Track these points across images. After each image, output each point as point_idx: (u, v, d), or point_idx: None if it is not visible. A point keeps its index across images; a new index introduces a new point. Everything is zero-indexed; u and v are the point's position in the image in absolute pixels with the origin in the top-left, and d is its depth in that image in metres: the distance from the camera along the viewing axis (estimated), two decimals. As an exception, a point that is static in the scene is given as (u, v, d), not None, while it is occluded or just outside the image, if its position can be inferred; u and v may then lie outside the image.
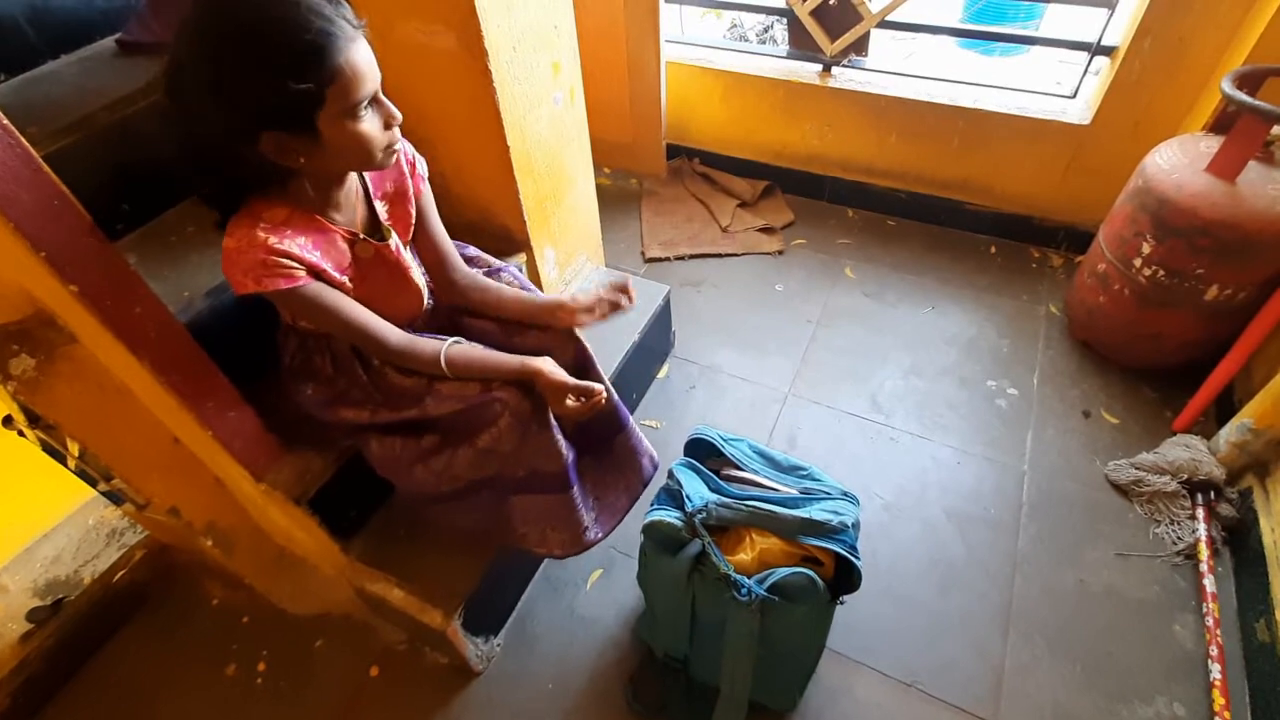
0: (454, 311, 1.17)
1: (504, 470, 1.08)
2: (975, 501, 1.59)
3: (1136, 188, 1.60)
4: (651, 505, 1.18)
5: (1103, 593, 1.43)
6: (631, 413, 1.77)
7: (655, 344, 1.81)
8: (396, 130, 0.87)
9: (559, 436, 1.08)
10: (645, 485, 1.30)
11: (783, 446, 1.72)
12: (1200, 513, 1.47)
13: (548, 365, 1.03)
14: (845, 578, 1.10)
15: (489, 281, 1.17)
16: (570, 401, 1.02)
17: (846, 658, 1.36)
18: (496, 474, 1.08)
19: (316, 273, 0.91)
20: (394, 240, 1.03)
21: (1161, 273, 1.56)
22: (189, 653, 1.46)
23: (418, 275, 1.10)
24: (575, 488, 1.11)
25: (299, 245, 0.89)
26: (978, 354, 1.91)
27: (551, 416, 1.07)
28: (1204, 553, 1.42)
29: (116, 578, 1.48)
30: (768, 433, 1.75)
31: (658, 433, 1.76)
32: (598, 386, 1.03)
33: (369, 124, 0.82)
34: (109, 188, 1.25)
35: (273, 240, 0.86)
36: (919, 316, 2.02)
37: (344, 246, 0.96)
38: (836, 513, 1.10)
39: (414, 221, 1.07)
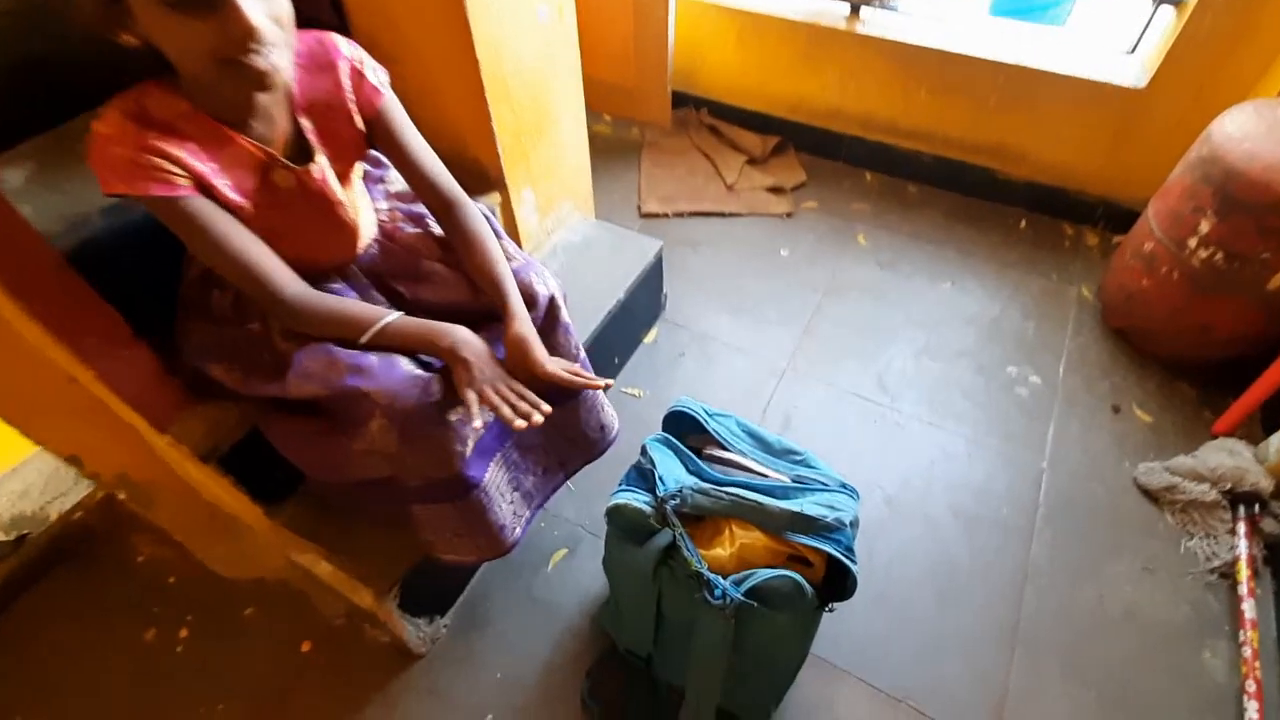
0: (414, 254, 0.98)
1: (397, 475, 0.90)
2: (986, 501, 1.43)
3: (1200, 157, 1.40)
4: (619, 485, 1.02)
5: (1124, 612, 1.28)
6: (614, 377, 1.60)
7: (643, 305, 1.64)
8: (265, 44, 0.67)
9: (460, 432, 0.89)
10: (593, 460, 1.14)
11: (776, 426, 1.56)
12: (1242, 528, 1.31)
13: (467, 350, 0.84)
14: (837, 582, 0.94)
15: (476, 235, 0.94)
16: (495, 398, 0.83)
17: (830, 665, 1.21)
18: (390, 477, 0.91)
19: (204, 186, 0.73)
20: (320, 164, 0.83)
21: (1220, 255, 1.38)
22: (108, 612, 1.32)
23: (355, 212, 0.91)
24: (479, 489, 0.94)
25: (187, 151, 0.71)
26: (999, 336, 1.73)
27: (452, 414, 0.88)
28: (1244, 573, 1.26)
29: (75, 518, 1.36)
30: (761, 410, 1.59)
31: (638, 403, 1.60)
32: (543, 405, 0.85)
33: (187, 23, 0.63)
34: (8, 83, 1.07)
35: (151, 137, 0.69)
36: (936, 292, 1.84)
37: (252, 166, 0.77)
38: (833, 507, 0.94)
39: (358, 143, 0.88)
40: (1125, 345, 1.69)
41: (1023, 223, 2.01)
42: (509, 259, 0.95)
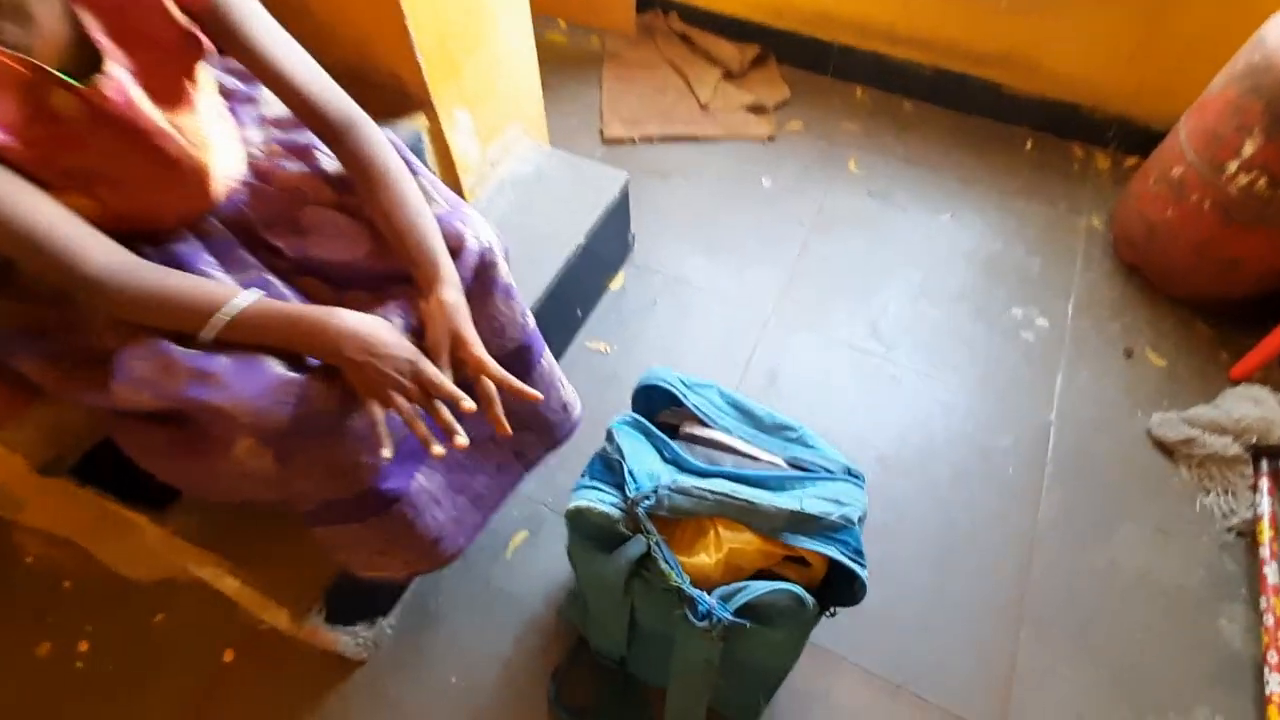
0: (296, 198, 0.73)
1: (286, 499, 0.71)
2: (989, 460, 1.30)
3: (1250, 65, 1.21)
4: (581, 477, 0.84)
5: (1137, 578, 1.18)
6: (576, 331, 1.41)
7: (608, 247, 1.43)
8: None
9: (368, 439, 0.69)
10: (556, 447, 0.97)
11: (761, 381, 1.39)
12: (1265, 484, 1.21)
13: (354, 346, 0.62)
14: (842, 584, 0.80)
15: (379, 169, 0.69)
16: (408, 407, 0.64)
17: (824, 651, 1.10)
18: (278, 500, 0.71)
19: None
20: (115, 77, 0.58)
21: (1263, 181, 1.21)
22: (-8, 626, 1.14)
23: (201, 146, 0.66)
24: (402, 501, 0.75)
25: None
26: (1002, 274, 1.56)
27: (352, 419, 0.68)
28: (1265, 534, 1.16)
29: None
30: (744, 363, 1.42)
31: (606, 360, 1.41)
32: (464, 398, 0.65)
33: None
34: None
35: None
36: (934, 224, 1.66)
37: (11, 86, 0.53)
38: (838, 502, 0.78)
39: (184, 47, 0.62)
40: (1137, 282, 1.54)
41: (1029, 144, 1.81)
42: (428, 201, 0.72)
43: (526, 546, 1.19)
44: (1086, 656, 1.10)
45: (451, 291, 0.68)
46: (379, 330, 0.63)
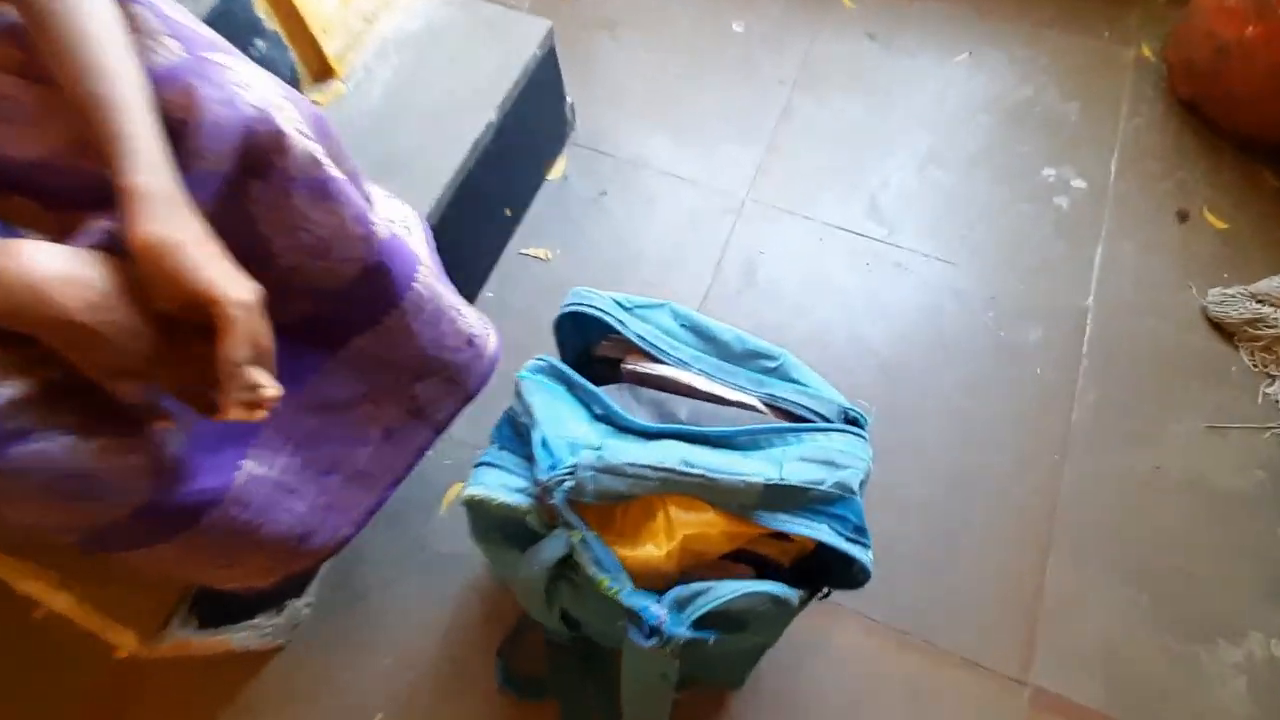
0: None
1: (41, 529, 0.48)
2: (1014, 359, 1.09)
3: None
4: (489, 444, 0.63)
5: (1185, 485, 1.00)
6: (509, 236, 1.15)
7: (536, 125, 1.13)
8: None
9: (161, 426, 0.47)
10: (470, 398, 0.75)
11: (736, 282, 1.15)
12: (1347, 369, 1.00)
13: (47, 300, 0.37)
14: (837, 565, 0.60)
15: (53, 7, 0.41)
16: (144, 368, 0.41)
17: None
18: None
19: None
20: None
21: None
22: None
23: None
24: (225, 503, 0.53)
25: None
26: (1031, 127, 1.28)
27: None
28: (1345, 429, 0.97)
29: None
30: (714, 263, 1.17)
31: (549, 270, 1.16)
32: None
33: None
34: None
35: None
36: (946, 70, 1.34)
37: None
38: (831, 463, 0.57)
39: None
40: (1196, 124, 1.25)
41: (1063, -44, 1.45)
42: (147, 45, 0.45)
43: (464, 501, 1.00)
44: (1123, 580, 0.94)
45: (147, 203, 0.39)
46: (88, 266, 0.39)
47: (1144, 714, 0.87)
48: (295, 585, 0.92)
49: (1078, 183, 1.21)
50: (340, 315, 0.58)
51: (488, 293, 1.13)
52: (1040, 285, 1.14)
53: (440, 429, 0.76)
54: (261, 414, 0.43)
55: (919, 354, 1.10)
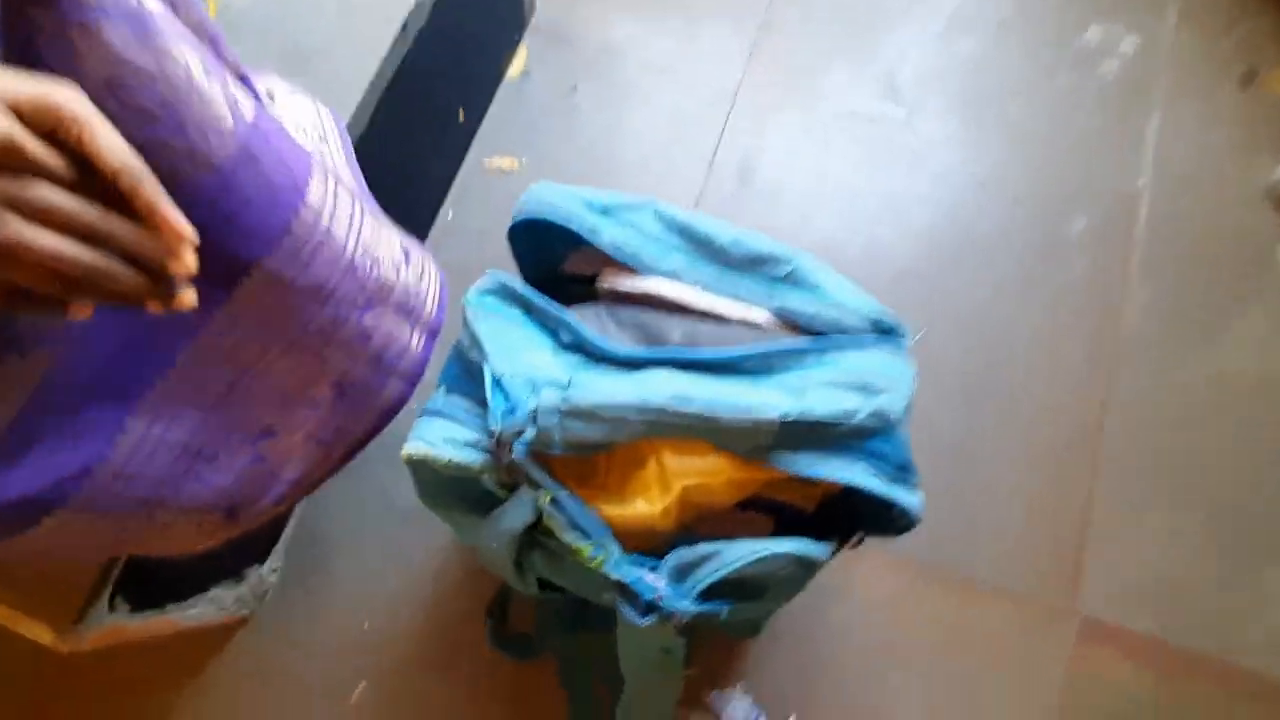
0: None
1: None
2: (1054, 254, 0.95)
3: None
4: (434, 392, 0.51)
5: (1249, 391, 0.89)
6: (466, 146, 1.00)
7: (486, 11, 0.95)
8: None
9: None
10: (434, 333, 0.61)
11: (730, 184, 1.00)
12: None
13: None
14: (873, 506, 0.49)
15: None
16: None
17: (840, 536, 0.84)
18: None
19: None
20: None
21: None
22: None
23: None
24: (95, 472, 0.40)
25: None
26: (1071, -20, 1.09)
27: None
28: None
29: None
30: (705, 163, 1.01)
31: (514, 181, 1.00)
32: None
33: None
34: None
35: None
36: (971, -82, 1.14)
37: None
38: (865, 387, 0.44)
39: None
40: (1264, -33, 1.07)
41: None
42: None
43: (438, 449, 0.90)
44: (1180, 501, 0.84)
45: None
46: None
47: (1203, 638, 0.79)
48: (258, 551, 0.82)
49: (1128, 43, 1.04)
50: (224, 227, 0.43)
51: (447, 214, 0.98)
52: (1085, 166, 0.99)
53: (412, 378, 0.62)
54: (184, 267, 0.31)
55: (943, 255, 0.96)
